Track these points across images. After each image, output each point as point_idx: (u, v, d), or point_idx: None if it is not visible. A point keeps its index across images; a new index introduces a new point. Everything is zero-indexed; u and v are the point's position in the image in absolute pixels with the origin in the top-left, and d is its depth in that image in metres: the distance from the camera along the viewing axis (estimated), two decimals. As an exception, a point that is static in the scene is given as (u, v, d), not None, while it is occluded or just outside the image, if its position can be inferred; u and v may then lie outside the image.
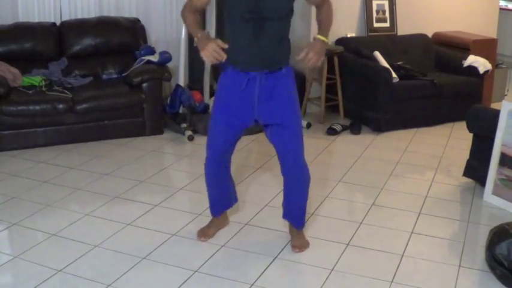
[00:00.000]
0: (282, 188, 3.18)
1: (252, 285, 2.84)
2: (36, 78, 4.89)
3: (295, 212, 3.20)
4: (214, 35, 5.33)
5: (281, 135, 2.98)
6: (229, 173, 3.26)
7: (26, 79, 4.87)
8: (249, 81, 2.86)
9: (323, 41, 2.90)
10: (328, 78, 5.62)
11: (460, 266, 3.06)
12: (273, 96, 2.88)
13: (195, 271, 2.95)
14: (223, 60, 2.78)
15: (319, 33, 2.92)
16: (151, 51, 5.25)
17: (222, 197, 3.31)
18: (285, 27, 2.87)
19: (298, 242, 3.20)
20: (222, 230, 3.40)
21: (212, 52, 2.72)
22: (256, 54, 2.82)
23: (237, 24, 2.80)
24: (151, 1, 5.88)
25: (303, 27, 5.91)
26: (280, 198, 3.60)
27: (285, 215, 3.24)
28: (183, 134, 5.10)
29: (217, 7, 5.20)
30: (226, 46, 2.75)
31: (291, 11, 2.85)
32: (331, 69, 5.60)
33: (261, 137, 5.06)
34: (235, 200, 3.42)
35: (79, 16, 5.56)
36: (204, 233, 3.31)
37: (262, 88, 2.87)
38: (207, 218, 3.57)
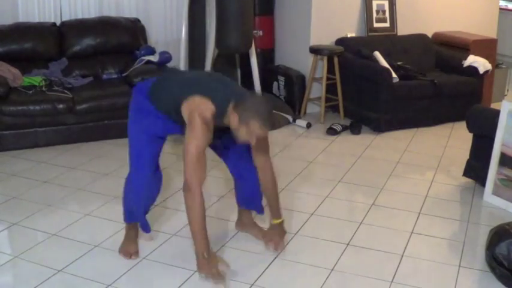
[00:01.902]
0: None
1: (252, 285, 2.84)
2: (36, 78, 4.89)
3: (259, 197, 3.25)
4: (214, 28, 5.31)
5: (233, 154, 3.17)
6: None
7: (26, 79, 4.87)
8: None
9: (279, 224, 3.05)
10: (328, 78, 5.62)
11: (460, 266, 3.06)
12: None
13: (195, 271, 2.94)
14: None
15: (273, 217, 3.04)
16: (151, 51, 5.25)
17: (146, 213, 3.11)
18: None
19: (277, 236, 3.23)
20: (222, 230, 3.40)
21: (213, 277, 2.63)
22: None
23: None
24: (151, 1, 5.89)
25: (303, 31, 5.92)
26: (280, 198, 3.60)
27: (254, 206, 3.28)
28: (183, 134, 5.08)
29: (217, 6, 5.20)
30: (229, 267, 2.83)
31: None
32: (331, 69, 5.60)
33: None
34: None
35: (79, 16, 5.56)
36: (130, 250, 3.10)
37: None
38: (207, 218, 3.56)
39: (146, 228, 3.10)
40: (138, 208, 3.01)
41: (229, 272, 2.94)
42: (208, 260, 2.62)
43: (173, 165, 4.58)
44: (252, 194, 3.21)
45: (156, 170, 3.02)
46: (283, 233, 3.09)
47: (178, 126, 2.87)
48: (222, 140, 3.03)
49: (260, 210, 3.29)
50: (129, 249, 3.10)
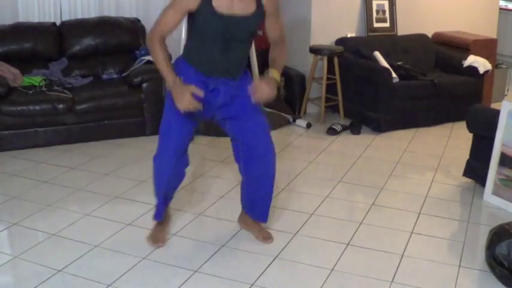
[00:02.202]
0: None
1: (252, 285, 2.84)
2: (36, 78, 4.89)
3: (265, 206, 3.22)
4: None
5: (249, 127, 3.02)
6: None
7: (26, 79, 4.87)
8: (213, 87, 2.89)
9: (275, 80, 2.91)
10: (328, 78, 5.61)
11: (460, 266, 3.06)
12: (234, 101, 2.94)
13: (195, 271, 2.95)
14: (200, 109, 2.79)
15: (273, 72, 2.93)
16: (152, 51, 5.24)
17: (170, 196, 3.23)
18: (250, 44, 3.02)
19: (266, 232, 3.29)
20: (222, 230, 3.40)
21: (188, 105, 2.73)
22: (220, 67, 2.89)
23: (206, 41, 2.84)
24: (151, 1, 5.88)
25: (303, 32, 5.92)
26: (280, 198, 3.61)
27: (251, 209, 3.26)
28: (183, 134, 5.09)
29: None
30: (202, 94, 2.78)
31: (256, 33, 2.99)
32: (331, 69, 5.60)
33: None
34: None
35: (79, 16, 5.56)
36: (159, 238, 3.22)
37: (224, 95, 2.91)
38: (207, 218, 3.58)
39: (157, 216, 3.21)
40: (159, 193, 3.15)
41: (230, 269, 2.95)
42: (176, 86, 2.75)
43: (173, 165, 4.58)
44: (261, 202, 3.20)
45: (182, 155, 3.06)
46: (271, 88, 2.85)
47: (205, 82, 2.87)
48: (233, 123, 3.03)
49: (264, 219, 3.27)
50: (157, 236, 3.21)
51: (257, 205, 3.22)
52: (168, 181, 3.10)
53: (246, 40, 2.91)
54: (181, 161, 3.08)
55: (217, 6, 2.72)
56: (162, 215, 3.24)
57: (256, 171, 3.09)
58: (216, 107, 2.95)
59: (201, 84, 2.83)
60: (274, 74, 2.92)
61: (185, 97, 2.72)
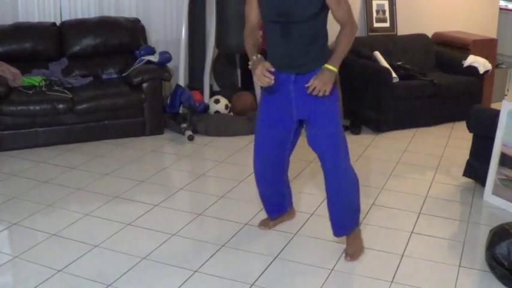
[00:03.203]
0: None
1: (252, 285, 2.84)
2: (36, 78, 4.89)
3: (333, 218, 3.11)
4: (214, 28, 5.32)
5: (316, 136, 2.97)
6: (285, 177, 3.25)
7: (26, 79, 4.87)
8: (283, 81, 2.88)
9: (330, 70, 2.79)
10: (328, 78, 5.61)
11: (460, 266, 3.06)
12: (310, 97, 2.84)
13: (195, 271, 2.95)
14: (273, 82, 2.78)
15: (329, 62, 2.82)
16: (151, 51, 5.25)
17: (275, 199, 3.33)
18: (315, 28, 2.86)
19: (350, 250, 3.12)
20: (222, 230, 3.40)
21: (260, 76, 2.75)
22: (285, 55, 2.85)
23: (268, 25, 2.87)
24: (151, 1, 5.88)
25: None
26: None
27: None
28: (183, 134, 5.10)
29: (217, 6, 5.20)
30: (273, 69, 2.78)
31: (321, 10, 2.83)
32: (331, 69, 5.59)
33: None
34: (289, 206, 3.45)
35: (79, 16, 5.56)
36: (265, 223, 3.41)
37: (295, 88, 2.88)
38: (207, 218, 3.58)
39: (266, 211, 3.41)
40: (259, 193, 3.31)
41: (230, 269, 2.95)
42: (254, 62, 2.78)
43: (173, 165, 4.58)
44: (331, 216, 3.13)
45: (270, 160, 3.09)
46: (329, 80, 2.76)
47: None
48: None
49: (334, 233, 3.17)
50: (268, 221, 3.40)
51: (330, 213, 3.12)
52: (257, 180, 3.21)
53: (305, 22, 2.78)
54: (272, 166, 3.12)
55: None
56: (270, 213, 3.39)
57: (326, 185, 3.04)
58: (292, 103, 2.91)
59: (277, 82, 2.84)
60: (329, 64, 2.79)
61: (257, 70, 2.74)
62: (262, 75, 2.74)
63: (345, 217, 3.10)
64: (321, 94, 2.77)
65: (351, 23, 2.90)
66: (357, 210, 3.13)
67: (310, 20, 2.80)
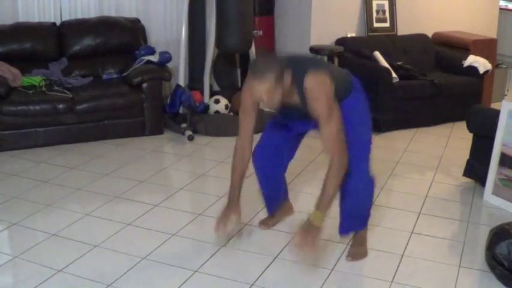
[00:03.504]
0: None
1: (252, 285, 2.84)
2: (36, 78, 4.89)
3: (345, 216, 3.07)
4: (214, 28, 5.32)
5: None
6: (283, 174, 3.32)
7: (26, 79, 4.87)
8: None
9: (315, 227, 2.64)
10: (328, 78, 5.61)
11: (460, 266, 3.06)
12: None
13: (195, 271, 2.95)
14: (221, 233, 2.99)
15: (315, 211, 2.68)
16: (151, 51, 5.25)
17: (274, 195, 3.39)
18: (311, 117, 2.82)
19: (352, 249, 3.13)
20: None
21: (217, 223, 2.96)
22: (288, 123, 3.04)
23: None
24: (151, 1, 5.88)
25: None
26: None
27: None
28: (183, 134, 5.10)
29: (217, 6, 5.20)
30: (237, 224, 2.98)
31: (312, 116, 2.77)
32: (331, 69, 5.59)
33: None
34: (285, 198, 3.50)
35: (79, 16, 5.56)
36: (264, 223, 3.44)
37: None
38: (207, 218, 3.58)
39: (267, 208, 3.45)
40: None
41: (230, 269, 2.94)
42: (226, 206, 2.98)
43: (173, 165, 4.58)
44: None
45: (271, 153, 3.11)
46: (311, 239, 2.65)
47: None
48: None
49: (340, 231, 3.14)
50: (267, 220, 3.44)
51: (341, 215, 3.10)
52: (258, 175, 3.26)
53: (304, 116, 2.77)
54: (271, 160, 3.15)
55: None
56: (269, 210, 3.44)
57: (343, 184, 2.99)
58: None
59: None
60: (314, 216, 2.66)
61: (221, 217, 2.95)
62: (218, 223, 2.94)
63: (355, 218, 3.08)
64: (302, 250, 2.68)
65: (338, 161, 2.65)
66: (369, 214, 3.12)
67: (308, 116, 2.76)
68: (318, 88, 2.61)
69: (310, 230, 2.65)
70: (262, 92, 2.54)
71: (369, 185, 3.00)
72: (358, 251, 3.12)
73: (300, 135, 3.19)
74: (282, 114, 2.91)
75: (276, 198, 3.41)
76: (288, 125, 3.06)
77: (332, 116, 2.62)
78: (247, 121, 2.88)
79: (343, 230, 3.13)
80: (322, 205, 2.67)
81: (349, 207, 3.01)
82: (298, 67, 2.65)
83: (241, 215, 3.02)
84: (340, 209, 3.06)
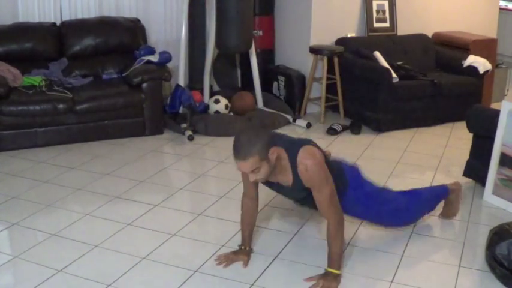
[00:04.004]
0: None
1: (252, 285, 2.84)
2: (36, 78, 4.89)
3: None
4: (214, 28, 5.32)
5: None
6: None
7: (26, 79, 4.87)
8: None
9: (334, 275, 2.83)
10: (328, 78, 5.62)
11: (460, 266, 3.06)
12: None
13: (195, 271, 2.95)
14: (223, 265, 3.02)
15: (329, 266, 2.84)
16: (151, 51, 5.25)
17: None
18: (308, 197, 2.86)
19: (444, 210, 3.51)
20: (222, 230, 3.40)
21: (220, 259, 3.02)
22: None
23: None
24: (151, 1, 5.89)
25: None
26: (280, 198, 3.61)
27: None
28: (183, 134, 5.10)
29: (217, 6, 5.20)
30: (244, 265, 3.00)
31: (307, 198, 2.85)
32: (331, 69, 5.60)
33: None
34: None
35: (79, 16, 5.56)
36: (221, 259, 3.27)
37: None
38: (207, 218, 3.58)
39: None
40: None
41: (230, 269, 2.95)
42: (232, 253, 3.05)
43: (173, 165, 4.58)
44: None
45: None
46: (332, 282, 2.80)
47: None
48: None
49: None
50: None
51: None
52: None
53: (302, 198, 2.93)
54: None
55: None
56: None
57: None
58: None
59: None
60: (330, 268, 2.83)
61: (229, 258, 3.01)
62: (221, 261, 3.00)
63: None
64: None
65: (334, 223, 2.76)
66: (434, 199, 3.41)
67: (306, 198, 2.87)
68: (310, 160, 2.69)
69: (330, 276, 2.82)
70: (247, 169, 2.64)
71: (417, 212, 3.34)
72: (447, 211, 3.53)
73: None
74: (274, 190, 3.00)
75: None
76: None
77: (327, 184, 2.73)
78: (250, 185, 2.97)
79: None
80: (334, 263, 2.83)
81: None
82: (291, 143, 2.79)
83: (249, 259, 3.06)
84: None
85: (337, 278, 2.83)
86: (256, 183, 2.92)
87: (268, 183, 2.89)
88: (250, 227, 3.06)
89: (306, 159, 2.69)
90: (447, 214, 3.57)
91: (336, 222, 2.76)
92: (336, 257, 2.81)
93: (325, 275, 2.83)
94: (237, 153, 2.63)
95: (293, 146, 2.76)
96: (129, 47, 5.41)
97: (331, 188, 2.74)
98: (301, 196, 2.89)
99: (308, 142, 2.84)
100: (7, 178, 4.11)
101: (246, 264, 2.99)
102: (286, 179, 2.78)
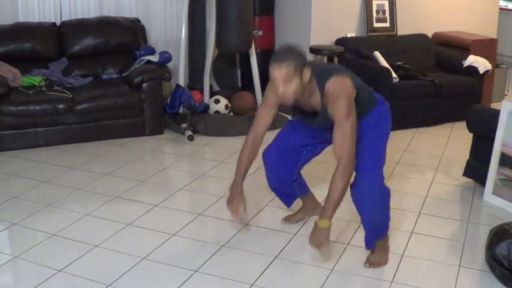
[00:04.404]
0: None
1: (252, 285, 2.84)
2: (36, 78, 4.89)
3: (366, 229, 3.02)
4: (214, 28, 5.32)
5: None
6: (294, 176, 3.24)
7: (26, 79, 4.87)
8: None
9: (321, 229, 2.67)
10: (328, 78, 5.61)
11: (460, 266, 3.06)
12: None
13: (195, 271, 2.95)
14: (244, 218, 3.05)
15: (320, 215, 2.71)
16: (151, 51, 5.25)
17: (283, 190, 3.33)
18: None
19: (372, 258, 3.05)
20: (222, 230, 3.40)
21: (232, 213, 2.98)
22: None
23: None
24: (151, 1, 5.89)
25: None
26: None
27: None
28: (183, 134, 5.10)
29: (217, 6, 5.20)
30: (246, 215, 3.00)
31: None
32: (331, 69, 5.59)
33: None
34: (303, 192, 3.41)
35: (79, 16, 5.56)
36: (287, 218, 3.48)
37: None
38: (207, 218, 3.58)
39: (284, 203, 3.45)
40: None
41: (230, 269, 2.95)
42: (232, 192, 2.97)
43: (173, 165, 4.58)
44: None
45: (286, 166, 3.12)
46: (321, 238, 2.69)
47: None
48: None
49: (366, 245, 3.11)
50: (290, 216, 3.50)
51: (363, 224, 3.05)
52: (267, 175, 3.22)
53: (327, 126, 2.81)
54: (283, 162, 3.12)
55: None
56: (286, 204, 3.43)
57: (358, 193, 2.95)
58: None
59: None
60: (320, 219, 2.68)
61: (233, 207, 2.96)
62: (235, 213, 2.96)
63: (378, 230, 3.01)
64: (317, 249, 2.74)
65: (344, 162, 2.64)
66: (386, 223, 3.03)
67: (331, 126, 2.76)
68: (340, 90, 2.63)
69: (316, 232, 2.69)
70: (280, 77, 2.57)
71: (381, 194, 2.92)
72: (377, 259, 3.05)
73: (318, 145, 3.14)
74: (298, 118, 2.98)
75: (291, 195, 3.38)
76: (306, 127, 3.04)
77: (348, 118, 2.62)
78: (265, 116, 2.89)
79: (368, 244, 3.07)
80: (327, 213, 2.68)
81: (366, 219, 2.95)
82: (323, 70, 2.71)
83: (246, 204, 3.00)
84: (362, 220, 3.00)
85: (324, 232, 2.67)
86: (272, 114, 2.88)
87: (293, 108, 2.88)
88: (250, 162, 2.95)
89: (335, 87, 2.63)
90: None
91: (346, 162, 2.63)
92: (332, 204, 2.66)
93: (313, 231, 2.70)
94: (275, 59, 2.58)
95: (325, 72, 2.69)
96: (129, 47, 5.41)
97: (352, 123, 2.62)
98: (325, 125, 2.82)
99: (342, 71, 2.75)
100: (7, 178, 4.11)
101: (244, 210, 2.95)
102: (314, 104, 2.74)
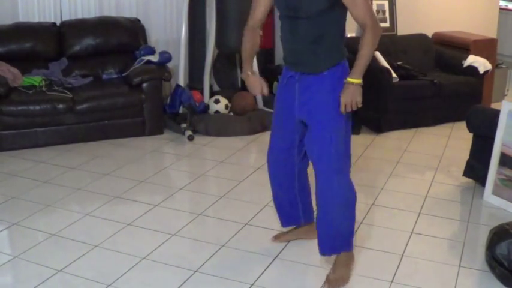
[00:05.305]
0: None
1: (252, 285, 2.84)
2: (36, 78, 4.89)
3: (319, 234, 2.86)
4: (214, 28, 5.32)
5: (309, 139, 2.78)
6: (301, 183, 3.06)
7: (26, 79, 4.87)
8: (290, 78, 2.80)
9: (353, 84, 2.64)
10: (328, 78, 5.61)
11: (460, 266, 3.06)
12: (310, 97, 2.72)
13: (195, 271, 2.95)
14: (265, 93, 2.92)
15: (350, 74, 2.69)
16: (151, 51, 5.25)
17: (287, 207, 3.13)
18: (322, 26, 2.65)
19: (332, 275, 2.83)
20: (222, 230, 3.40)
21: (255, 91, 2.91)
22: (292, 52, 2.75)
23: (281, 20, 2.78)
24: (151, 1, 5.89)
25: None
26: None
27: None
28: (183, 134, 5.10)
29: (217, 6, 5.20)
30: (266, 88, 2.90)
31: (330, 7, 2.59)
32: (331, 69, 5.59)
33: (261, 137, 5.06)
34: (307, 219, 3.17)
35: (79, 16, 5.56)
36: (277, 236, 3.27)
37: (299, 87, 2.75)
38: (207, 218, 3.58)
39: (279, 219, 3.22)
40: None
41: (230, 269, 2.95)
42: (247, 78, 2.89)
43: (173, 165, 4.58)
44: (318, 229, 2.88)
45: (284, 162, 2.97)
46: (355, 94, 2.64)
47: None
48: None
49: (320, 251, 2.91)
50: (280, 235, 3.28)
51: (317, 229, 2.88)
52: (270, 181, 3.08)
53: (311, 18, 2.60)
54: (282, 168, 3.00)
55: None
56: (282, 220, 3.20)
57: (316, 197, 2.82)
58: (296, 103, 2.78)
59: (282, 82, 2.85)
60: (350, 77, 2.65)
61: (251, 85, 2.89)
62: (259, 91, 2.89)
63: (332, 237, 2.83)
64: (354, 108, 2.65)
65: (371, 25, 2.59)
66: (350, 232, 2.85)
67: (317, 16, 2.59)
68: None
69: (349, 87, 2.65)
70: None
71: (351, 198, 2.83)
72: (337, 277, 2.82)
73: (293, 133, 2.91)
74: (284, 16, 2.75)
75: (293, 216, 3.16)
76: (288, 107, 2.84)
77: None
78: (259, 7, 2.82)
79: (324, 249, 2.88)
80: (357, 71, 2.67)
81: (327, 224, 2.80)
82: None
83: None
84: (318, 225, 2.84)
85: (357, 87, 2.64)
86: (265, 11, 2.82)
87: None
88: (252, 55, 2.92)
89: None
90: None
91: (372, 29, 2.60)
92: (362, 63, 2.66)
93: (345, 88, 2.64)
94: None
95: None
96: (129, 47, 5.41)
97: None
98: (316, 3, 2.58)
99: None
100: (7, 178, 4.11)
101: (264, 89, 2.88)
102: None
